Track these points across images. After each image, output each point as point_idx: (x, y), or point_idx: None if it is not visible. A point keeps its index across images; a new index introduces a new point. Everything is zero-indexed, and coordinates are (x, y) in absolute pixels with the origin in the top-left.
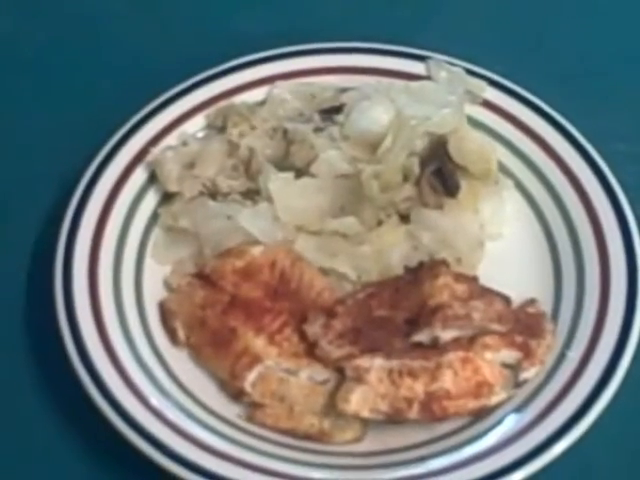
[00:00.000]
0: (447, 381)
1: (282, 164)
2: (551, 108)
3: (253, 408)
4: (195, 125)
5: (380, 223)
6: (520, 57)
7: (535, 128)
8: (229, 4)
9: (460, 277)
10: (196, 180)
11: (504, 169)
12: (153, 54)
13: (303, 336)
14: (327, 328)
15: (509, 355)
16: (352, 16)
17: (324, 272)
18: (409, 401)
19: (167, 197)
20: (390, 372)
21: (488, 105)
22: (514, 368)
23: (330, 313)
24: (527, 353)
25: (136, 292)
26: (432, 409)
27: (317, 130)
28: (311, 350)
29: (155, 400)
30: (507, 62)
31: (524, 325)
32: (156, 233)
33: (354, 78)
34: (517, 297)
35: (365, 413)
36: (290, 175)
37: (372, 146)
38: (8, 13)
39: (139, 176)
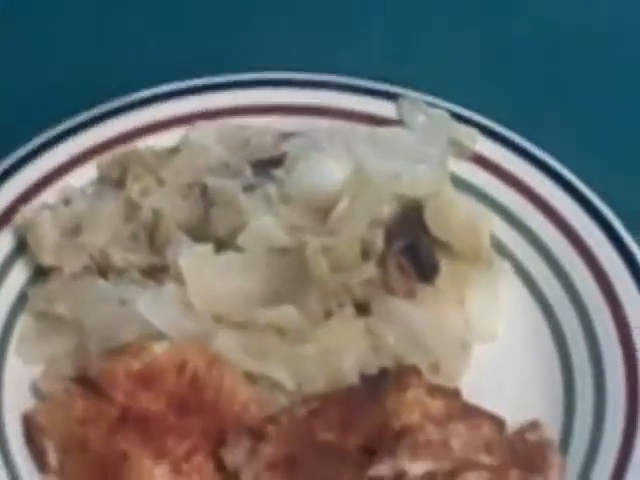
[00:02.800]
0: None
1: (199, 233)
2: (563, 166)
3: None
4: (82, 177)
5: (329, 315)
6: (523, 101)
7: (541, 192)
8: (139, 27)
9: (436, 391)
10: (80, 251)
11: (500, 247)
12: (33, 80)
13: (220, 465)
14: (253, 455)
15: None
16: (300, 41)
17: (252, 378)
18: None
19: (40, 273)
20: None
21: (480, 161)
22: None
23: (258, 435)
24: None
25: None
26: None
27: (248, 188)
28: None
29: None
30: (506, 106)
31: (523, 457)
32: (23, 321)
33: (300, 120)
34: (514, 419)
35: None
36: (209, 248)
37: (321, 211)
38: None
39: (3, 244)
